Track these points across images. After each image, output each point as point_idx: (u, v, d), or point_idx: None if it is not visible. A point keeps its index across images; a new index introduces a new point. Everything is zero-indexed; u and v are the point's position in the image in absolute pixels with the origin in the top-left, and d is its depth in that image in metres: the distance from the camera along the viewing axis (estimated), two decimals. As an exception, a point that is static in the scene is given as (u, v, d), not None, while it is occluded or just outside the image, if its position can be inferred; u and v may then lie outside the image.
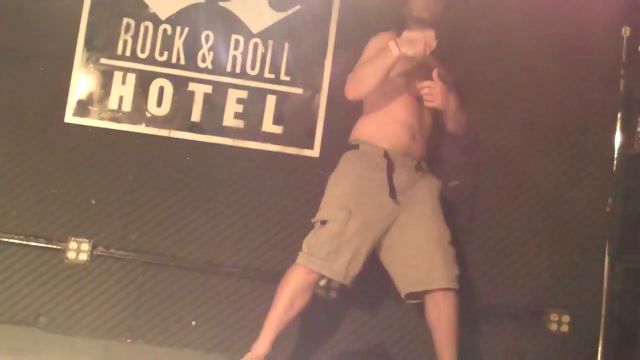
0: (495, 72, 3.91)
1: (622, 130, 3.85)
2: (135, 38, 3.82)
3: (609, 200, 3.82)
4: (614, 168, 3.84)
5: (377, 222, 3.23)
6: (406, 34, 3.17)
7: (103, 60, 3.79)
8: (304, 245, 3.22)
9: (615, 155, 3.85)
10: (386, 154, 3.29)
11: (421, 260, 3.23)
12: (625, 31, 3.87)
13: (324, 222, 3.21)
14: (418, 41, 3.14)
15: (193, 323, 3.73)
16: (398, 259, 3.30)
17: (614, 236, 3.77)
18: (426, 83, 3.28)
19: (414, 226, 3.26)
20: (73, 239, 3.68)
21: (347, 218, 3.17)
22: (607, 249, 3.79)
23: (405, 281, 3.27)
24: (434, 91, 3.27)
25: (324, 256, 3.15)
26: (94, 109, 3.78)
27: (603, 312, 3.75)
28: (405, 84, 3.37)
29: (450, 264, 3.24)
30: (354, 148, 3.38)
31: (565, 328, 3.84)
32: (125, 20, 3.82)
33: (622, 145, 3.83)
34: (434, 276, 3.21)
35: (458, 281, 3.24)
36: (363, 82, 3.29)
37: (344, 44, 3.77)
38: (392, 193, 3.23)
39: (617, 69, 3.87)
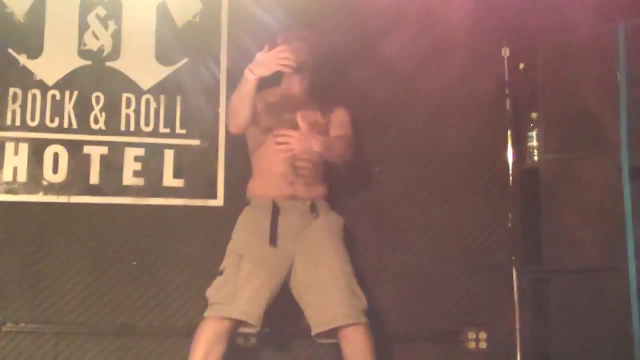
0: (381, 100, 3.98)
1: (514, 146, 3.99)
2: (23, 107, 3.76)
3: (509, 215, 3.96)
4: (510, 184, 3.98)
5: (270, 263, 3.31)
6: (257, 56, 3.28)
7: (-8, 133, 3.74)
8: (207, 298, 3.30)
9: (510, 171, 3.98)
10: (274, 203, 3.39)
11: (320, 300, 3.30)
12: (505, 52, 4.03)
13: (220, 273, 3.33)
14: (268, 59, 3.24)
15: (114, 388, 3.67)
16: (302, 301, 3.38)
17: (517, 249, 3.90)
18: (280, 132, 3.31)
19: (312, 267, 3.34)
20: (-21, 318, 3.59)
21: (238, 262, 3.28)
22: (513, 263, 3.92)
23: (311, 322, 3.34)
24: (290, 140, 3.28)
25: (220, 300, 3.24)
26: (-12, 183, 3.71)
27: (517, 325, 3.85)
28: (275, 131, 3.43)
29: (351, 299, 3.29)
30: (248, 205, 3.51)
31: (483, 345, 3.90)
32: (12, 89, 3.76)
33: (515, 161, 3.98)
34: (333, 314, 3.27)
35: (364, 314, 3.29)
36: (236, 114, 3.42)
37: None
38: (272, 239, 3.32)
39: (502, 89, 4.02)
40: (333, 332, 3.30)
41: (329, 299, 3.28)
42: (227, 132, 3.73)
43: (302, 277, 3.35)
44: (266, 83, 3.41)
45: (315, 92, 3.60)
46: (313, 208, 3.43)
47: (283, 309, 3.48)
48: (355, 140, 3.63)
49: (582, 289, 3.74)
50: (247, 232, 3.41)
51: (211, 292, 3.30)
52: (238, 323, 3.26)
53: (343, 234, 3.49)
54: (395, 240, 3.94)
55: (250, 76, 3.27)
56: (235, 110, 3.42)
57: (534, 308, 3.86)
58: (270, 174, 3.45)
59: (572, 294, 3.75)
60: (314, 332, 3.33)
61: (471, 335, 3.89)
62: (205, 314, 3.27)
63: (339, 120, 3.60)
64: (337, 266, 3.34)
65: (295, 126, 3.33)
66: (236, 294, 3.23)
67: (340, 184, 3.75)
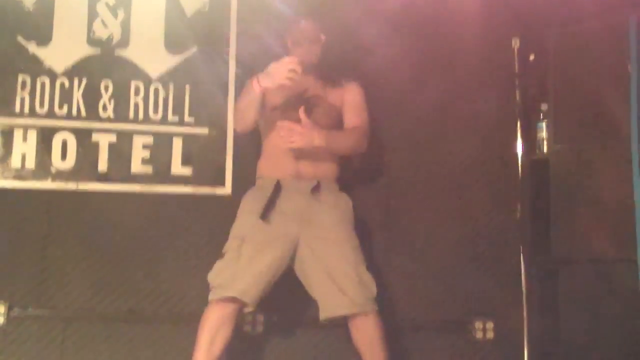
0: (391, 89, 3.97)
1: (523, 137, 3.98)
2: (32, 94, 3.76)
3: (518, 206, 3.94)
4: (519, 174, 3.96)
5: (272, 245, 3.28)
6: (269, 67, 3.30)
7: (1, 120, 3.73)
8: (209, 282, 3.30)
9: (520, 162, 3.97)
10: (278, 183, 3.38)
11: (328, 287, 3.27)
12: (515, 42, 4.02)
13: (222, 256, 3.32)
14: (276, 72, 3.28)
15: (121, 374, 3.68)
16: (310, 285, 3.36)
17: (526, 240, 3.90)
18: (284, 125, 3.31)
19: (319, 252, 3.30)
20: (-13, 303, 3.60)
21: (239, 244, 3.27)
22: (521, 253, 3.90)
23: (320, 306, 3.32)
24: (293, 133, 3.29)
25: (221, 282, 3.24)
26: (-3, 169, 3.72)
27: (525, 315, 3.84)
28: (283, 113, 3.44)
29: (360, 287, 3.26)
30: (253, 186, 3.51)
31: (490, 335, 3.89)
32: (21, 76, 3.76)
33: (525, 152, 3.97)
34: (341, 302, 3.25)
35: (374, 302, 3.28)
36: (241, 115, 3.51)
37: (245, 79, 3.76)
38: (263, 214, 3.31)
39: (511, 80, 4.00)
40: (341, 318, 3.30)
41: (337, 287, 3.25)
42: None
43: (309, 263, 3.32)
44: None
45: (327, 69, 3.57)
46: (316, 188, 3.40)
47: (290, 296, 3.49)
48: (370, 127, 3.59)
49: (591, 280, 3.72)
50: (248, 213, 3.38)
51: (212, 276, 3.29)
52: (242, 307, 3.25)
53: (352, 217, 3.44)
54: (403, 229, 3.94)
55: (256, 87, 3.33)
56: (241, 112, 3.50)
57: (542, 299, 3.86)
58: (277, 151, 3.43)
59: (581, 285, 3.73)
60: (321, 317, 3.31)
61: (478, 325, 3.89)
62: (209, 298, 3.27)
63: (353, 101, 3.56)
64: (345, 253, 3.30)
65: (304, 103, 3.36)
66: (236, 278, 3.22)
67: (348, 167, 3.72)
